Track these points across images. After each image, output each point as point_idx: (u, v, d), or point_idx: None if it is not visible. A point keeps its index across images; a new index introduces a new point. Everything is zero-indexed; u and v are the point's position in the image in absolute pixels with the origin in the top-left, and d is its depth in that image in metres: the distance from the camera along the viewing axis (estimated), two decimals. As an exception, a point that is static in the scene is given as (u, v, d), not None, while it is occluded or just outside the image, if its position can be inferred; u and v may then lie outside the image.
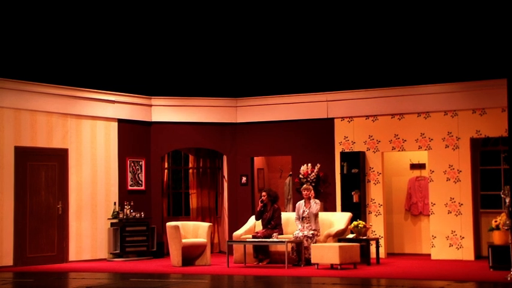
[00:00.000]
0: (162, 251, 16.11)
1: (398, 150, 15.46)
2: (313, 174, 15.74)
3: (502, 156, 14.92)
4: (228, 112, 16.91)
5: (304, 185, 14.31)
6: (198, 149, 17.30)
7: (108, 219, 15.64)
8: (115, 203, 15.75)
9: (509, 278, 10.77)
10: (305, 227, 13.86)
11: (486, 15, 14.01)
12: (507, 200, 10.99)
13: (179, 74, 16.80)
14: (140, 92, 16.44)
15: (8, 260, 14.07)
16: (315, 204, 13.90)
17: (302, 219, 13.96)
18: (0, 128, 14.12)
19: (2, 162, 14.11)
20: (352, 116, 15.78)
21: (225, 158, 17.15)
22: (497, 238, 12.42)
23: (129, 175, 16.13)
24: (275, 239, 13.66)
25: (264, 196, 14.30)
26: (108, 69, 15.87)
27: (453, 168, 14.88)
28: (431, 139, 15.11)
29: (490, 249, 12.41)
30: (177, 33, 16.57)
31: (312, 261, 13.15)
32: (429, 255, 15.02)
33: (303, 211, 13.96)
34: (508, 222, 11.14)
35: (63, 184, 15.00)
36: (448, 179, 14.90)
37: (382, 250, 14.95)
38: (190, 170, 17.52)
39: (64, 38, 15.25)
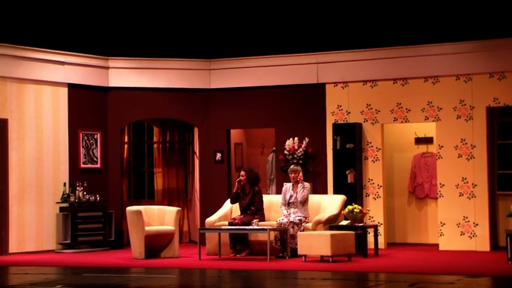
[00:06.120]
0: (121, 241, 16.14)
1: (401, 122, 15.50)
2: (301, 150, 15.76)
3: (524, 129, 15.07)
4: (199, 76, 16.84)
5: (292, 166, 14.35)
6: (164, 119, 17.28)
7: (57, 203, 15.60)
8: (65, 184, 15.71)
9: (531, 272, 10.77)
10: (291, 213, 13.85)
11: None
12: (529, 180, 10.97)
13: (142, 31, 16.68)
14: (95, 51, 16.34)
15: None
16: (303, 189, 13.97)
17: (288, 205, 14.03)
18: None
19: None
20: (347, 81, 15.78)
21: (196, 130, 17.14)
22: (517, 225, 12.52)
23: (82, 151, 16.09)
24: (255, 227, 13.70)
25: (242, 176, 14.36)
26: (57, 24, 15.71)
27: (466, 143, 14.92)
28: (440, 108, 15.13)
29: (508, 238, 12.46)
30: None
31: (299, 252, 13.20)
32: (437, 245, 15.11)
33: (290, 196, 14.02)
34: (530, 206, 11.13)
35: (1, 161, 14.92)
36: (459, 156, 14.95)
37: (381, 239, 14.99)
38: (155, 145, 17.49)
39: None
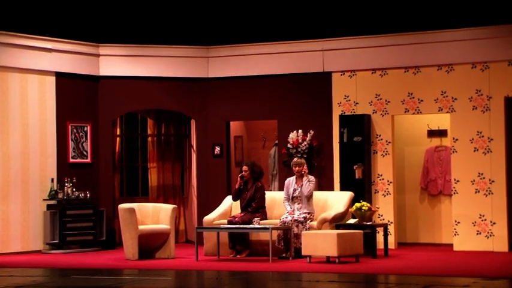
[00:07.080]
0: (113, 241, 16.18)
1: (413, 113, 15.53)
2: (305, 143, 15.80)
3: (546, 120, 15.07)
4: (197, 64, 16.86)
5: (296, 159, 14.38)
6: (159, 111, 17.32)
7: (44, 200, 15.62)
8: (52, 180, 15.72)
9: (553, 274, 10.72)
10: (295, 210, 13.85)
11: None
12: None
13: (135, 16, 16.69)
14: (85, 38, 16.36)
15: None
16: (308, 183, 13.97)
17: (292, 200, 14.03)
18: None
19: None
20: (355, 70, 15.82)
21: (193, 122, 17.19)
22: (538, 224, 12.52)
23: (71, 144, 16.13)
24: (256, 225, 13.69)
25: (245, 171, 14.40)
26: (43, 8, 15.71)
27: (482, 136, 14.92)
28: (455, 99, 15.13)
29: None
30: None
31: (303, 252, 13.21)
32: (451, 245, 15.14)
33: (294, 190, 14.04)
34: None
35: (-15, 155, 15.00)
36: (475, 150, 14.97)
37: (391, 239, 15.06)
38: (150, 138, 17.55)
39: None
